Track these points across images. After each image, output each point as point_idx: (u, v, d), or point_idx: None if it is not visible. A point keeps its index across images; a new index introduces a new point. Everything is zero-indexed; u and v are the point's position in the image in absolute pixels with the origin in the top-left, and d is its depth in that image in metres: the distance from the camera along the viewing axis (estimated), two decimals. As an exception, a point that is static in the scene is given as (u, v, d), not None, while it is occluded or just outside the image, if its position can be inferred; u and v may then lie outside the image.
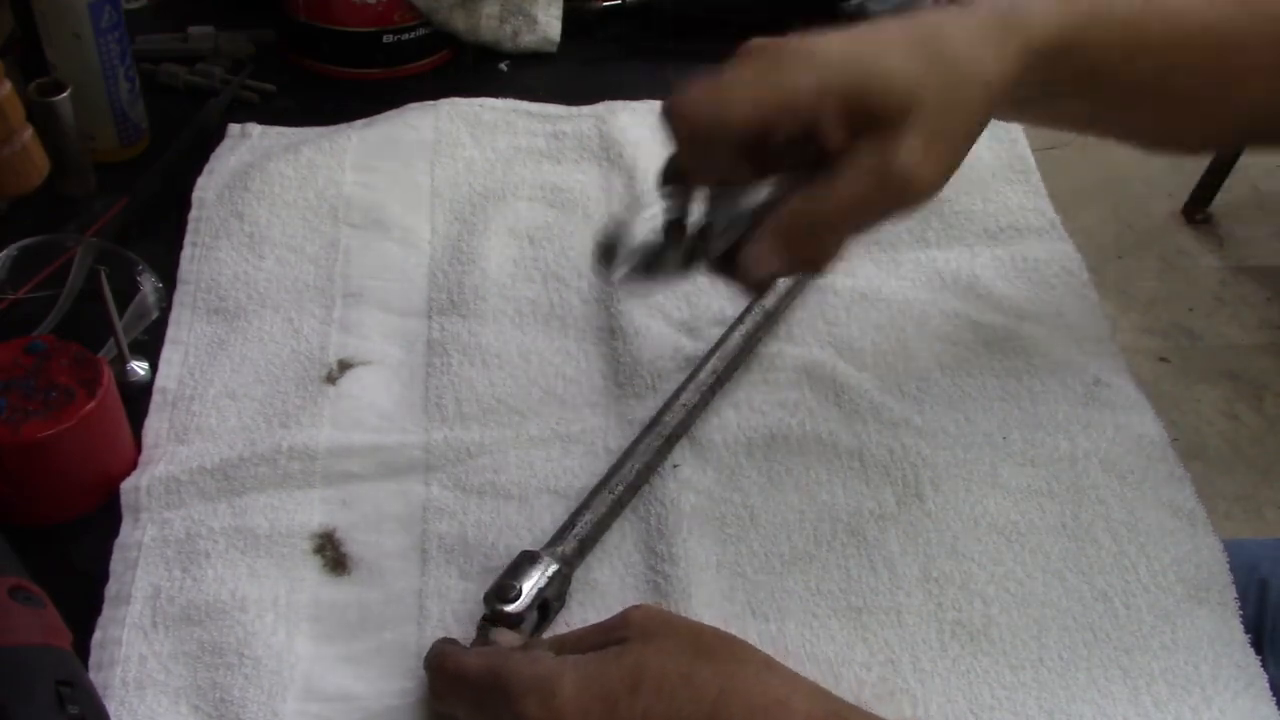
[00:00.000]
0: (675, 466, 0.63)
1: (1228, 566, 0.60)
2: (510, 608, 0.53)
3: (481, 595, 0.55)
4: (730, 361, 0.67)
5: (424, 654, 0.55)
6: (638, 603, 0.54)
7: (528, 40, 0.94)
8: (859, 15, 1.03)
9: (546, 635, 0.57)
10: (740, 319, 0.69)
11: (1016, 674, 0.56)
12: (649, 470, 0.63)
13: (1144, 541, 0.61)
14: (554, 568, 0.56)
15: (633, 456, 0.62)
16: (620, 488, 0.61)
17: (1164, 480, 0.64)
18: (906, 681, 0.55)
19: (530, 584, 0.55)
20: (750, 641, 0.56)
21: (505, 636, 0.53)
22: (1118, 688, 0.55)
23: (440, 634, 0.56)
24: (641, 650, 0.48)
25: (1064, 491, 0.63)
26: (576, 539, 0.58)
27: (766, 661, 0.50)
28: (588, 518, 0.59)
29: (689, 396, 0.65)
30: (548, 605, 0.56)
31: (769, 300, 0.70)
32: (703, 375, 0.66)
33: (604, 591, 0.58)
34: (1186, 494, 0.63)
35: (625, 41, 0.98)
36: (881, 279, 0.75)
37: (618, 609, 0.57)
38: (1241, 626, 0.58)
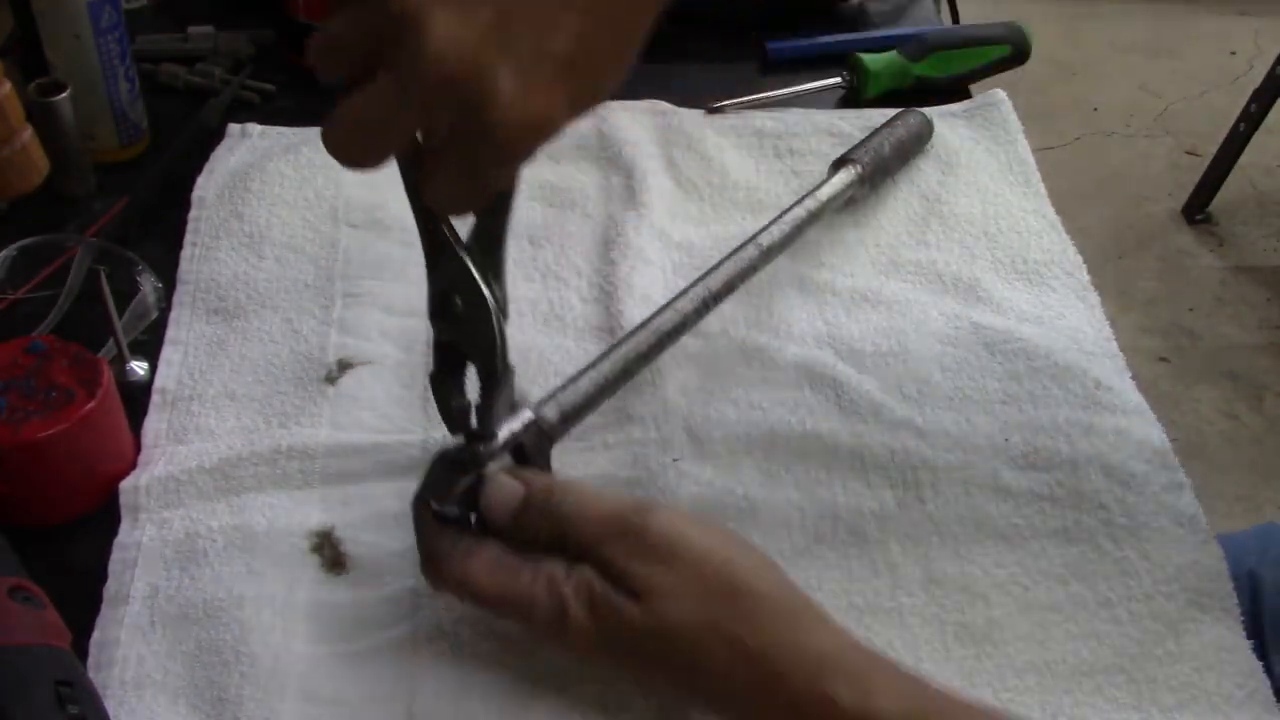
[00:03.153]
0: (675, 460, 0.63)
1: (1230, 575, 0.60)
2: (483, 447, 0.54)
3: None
4: (725, 284, 0.69)
5: (422, 653, 0.55)
6: (655, 505, 0.54)
7: (528, 40, 0.94)
8: (859, 16, 1.03)
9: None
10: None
11: (1020, 678, 0.56)
12: (640, 361, 0.63)
13: (1147, 548, 0.60)
14: (530, 416, 0.56)
15: (624, 345, 0.63)
16: (609, 368, 0.61)
17: (1165, 486, 0.63)
18: (907, 683, 0.55)
19: (505, 428, 0.55)
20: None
21: (501, 489, 0.53)
22: (1123, 694, 0.55)
23: (437, 636, 0.56)
24: (657, 617, 0.49)
25: (1065, 496, 0.63)
26: (556, 404, 0.59)
27: (792, 608, 0.50)
28: (573, 387, 0.60)
29: (683, 304, 0.66)
30: (523, 450, 0.57)
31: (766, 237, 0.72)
32: (696, 289, 0.67)
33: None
34: (1188, 500, 0.63)
35: (625, 41, 0.98)
36: (882, 280, 0.75)
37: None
38: (1245, 634, 0.58)
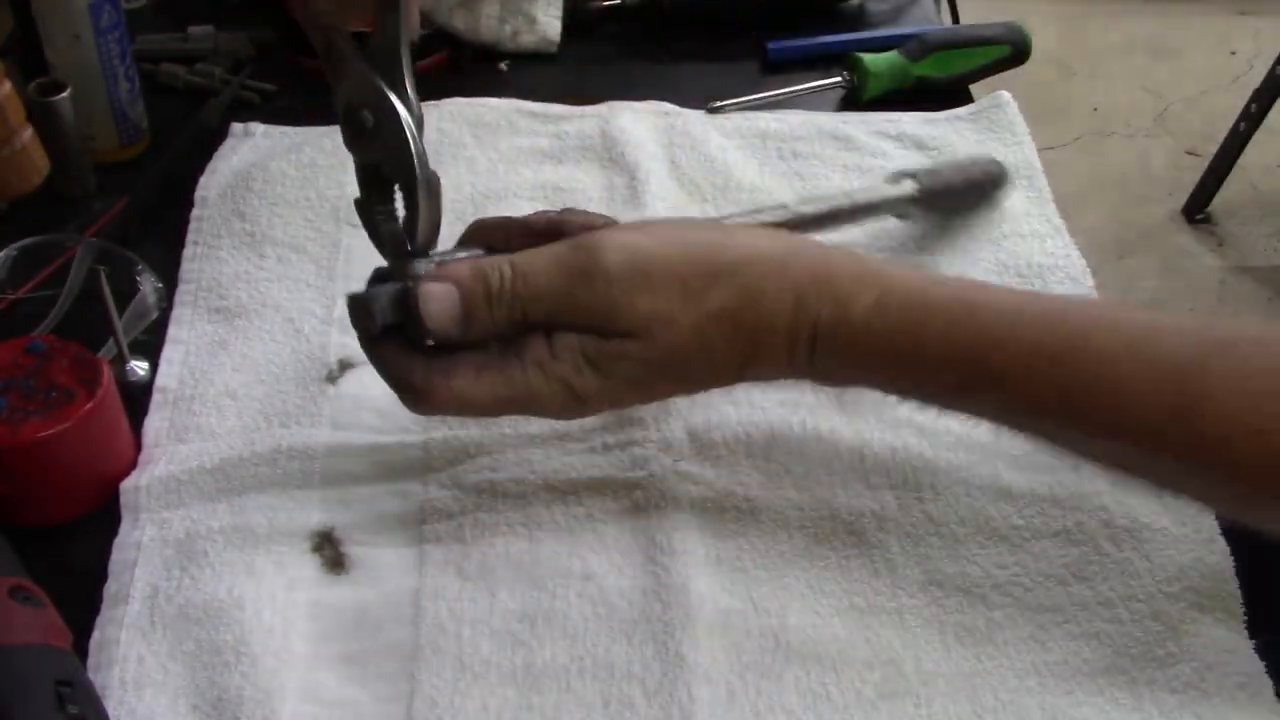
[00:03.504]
0: (676, 460, 0.63)
1: (1234, 574, 0.60)
2: (420, 264, 0.52)
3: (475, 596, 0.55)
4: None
5: (422, 653, 0.55)
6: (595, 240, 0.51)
7: (528, 40, 0.94)
8: (859, 16, 1.03)
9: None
10: None
11: (1021, 679, 0.55)
12: None
13: (1149, 549, 0.60)
14: (478, 251, 0.55)
15: None
16: None
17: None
18: (909, 683, 0.55)
19: (444, 249, 0.54)
20: (751, 635, 0.56)
21: (432, 299, 0.50)
22: (1122, 694, 0.55)
23: (439, 635, 0.56)
24: (660, 340, 0.50)
25: (1067, 497, 0.63)
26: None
27: (768, 254, 0.52)
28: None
29: None
30: None
31: None
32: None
33: (601, 582, 0.58)
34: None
35: (625, 41, 0.98)
36: (883, 280, 0.75)
37: (615, 599, 0.57)
38: (1246, 634, 0.58)
